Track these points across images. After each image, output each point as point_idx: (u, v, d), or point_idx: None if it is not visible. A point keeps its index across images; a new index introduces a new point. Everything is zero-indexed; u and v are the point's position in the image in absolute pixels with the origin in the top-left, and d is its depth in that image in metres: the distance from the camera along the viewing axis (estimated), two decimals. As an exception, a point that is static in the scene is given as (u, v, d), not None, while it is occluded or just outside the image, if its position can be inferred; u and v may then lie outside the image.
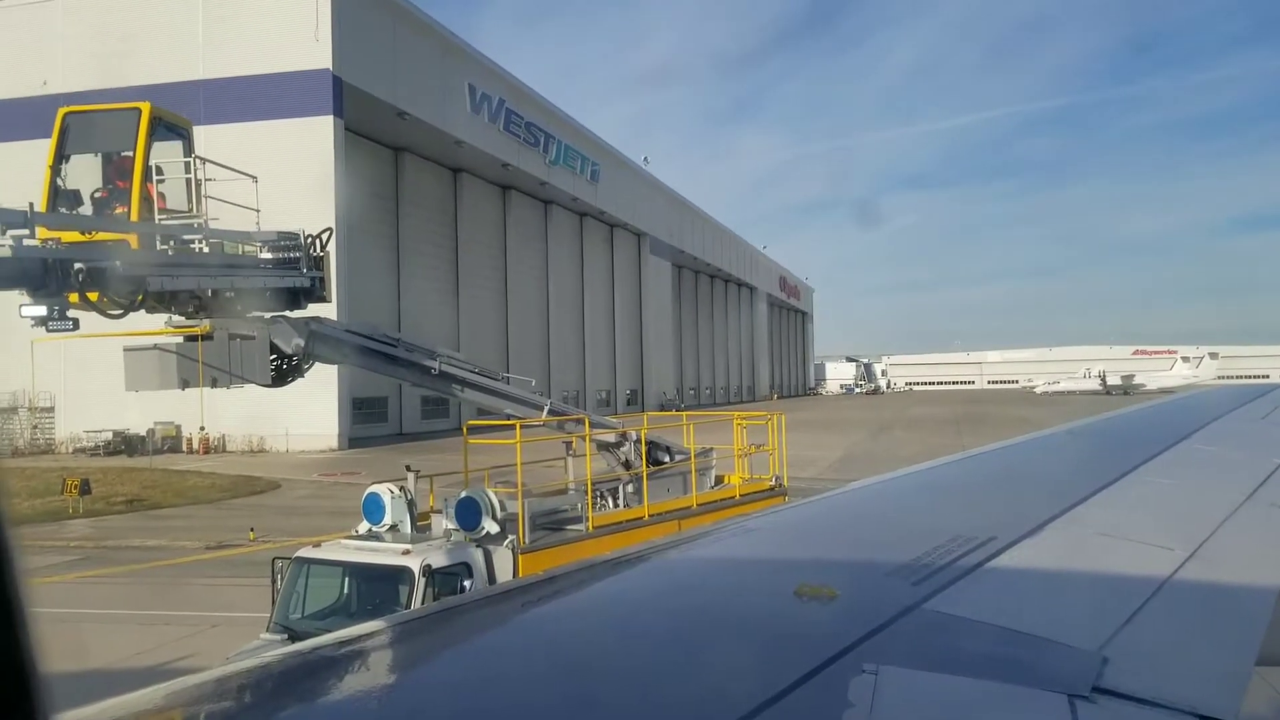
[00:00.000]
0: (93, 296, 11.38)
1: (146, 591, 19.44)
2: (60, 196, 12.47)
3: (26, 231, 10.26)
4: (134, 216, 12.29)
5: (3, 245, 10.07)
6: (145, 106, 12.94)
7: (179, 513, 32.45)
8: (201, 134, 15.39)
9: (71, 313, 11.25)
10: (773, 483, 17.59)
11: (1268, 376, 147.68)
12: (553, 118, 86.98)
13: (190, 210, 13.28)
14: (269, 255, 13.95)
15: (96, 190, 12.86)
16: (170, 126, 13.51)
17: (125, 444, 53.39)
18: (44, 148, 12.76)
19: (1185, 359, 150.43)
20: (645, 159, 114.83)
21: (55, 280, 10.61)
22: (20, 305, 10.79)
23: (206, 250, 13.16)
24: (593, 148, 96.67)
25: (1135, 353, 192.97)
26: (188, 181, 13.34)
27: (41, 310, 10.81)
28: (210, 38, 57.41)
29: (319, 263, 14.46)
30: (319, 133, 56.52)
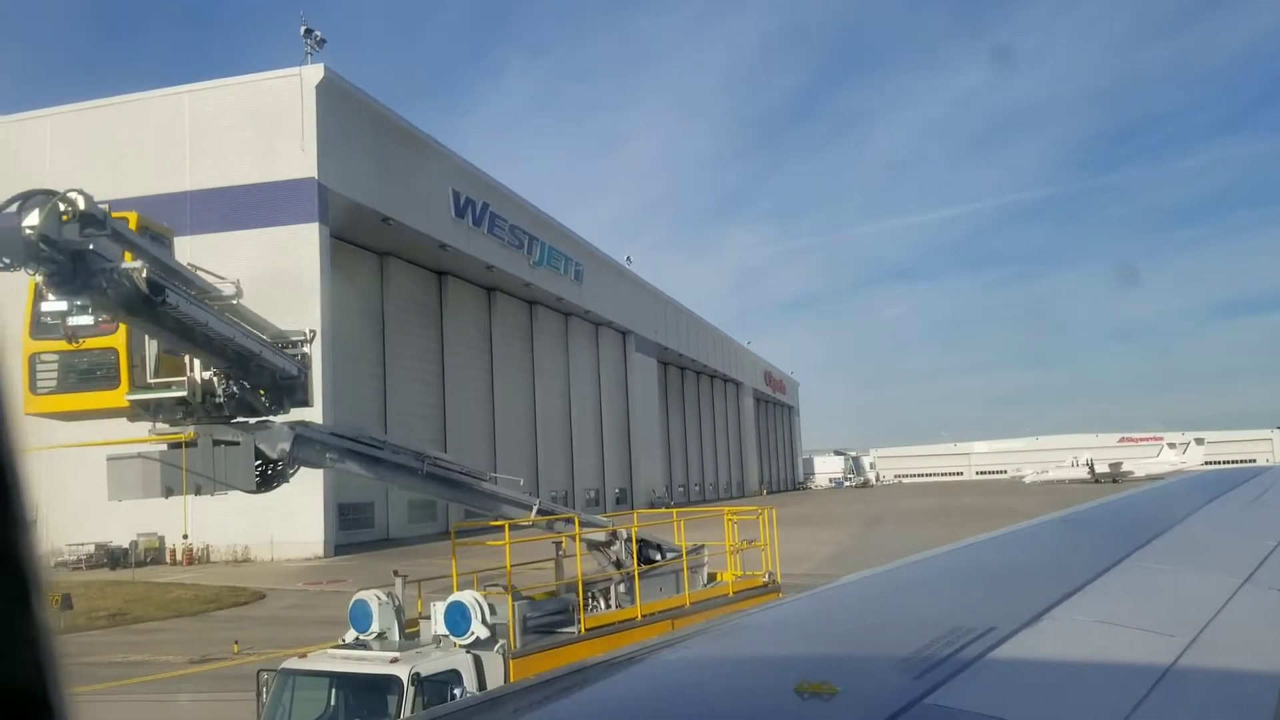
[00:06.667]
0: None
1: (128, 710, 18.94)
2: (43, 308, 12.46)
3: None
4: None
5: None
6: (132, 216, 13.05)
7: (162, 626, 31.81)
8: (187, 244, 15.54)
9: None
10: (766, 579, 17.36)
11: (1254, 460, 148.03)
12: (536, 220, 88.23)
13: None
14: (276, 360, 13.96)
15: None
16: (155, 236, 13.61)
17: (108, 556, 52.56)
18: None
19: (1172, 445, 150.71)
20: (628, 258, 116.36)
21: (82, 276, 10.52)
22: (41, 303, 10.80)
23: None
24: (576, 248, 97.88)
25: (1121, 440, 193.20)
26: None
27: (62, 305, 10.79)
28: (197, 149, 58.36)
29: (302, 365, 14.43)
30: (305, 240, 57.12)
